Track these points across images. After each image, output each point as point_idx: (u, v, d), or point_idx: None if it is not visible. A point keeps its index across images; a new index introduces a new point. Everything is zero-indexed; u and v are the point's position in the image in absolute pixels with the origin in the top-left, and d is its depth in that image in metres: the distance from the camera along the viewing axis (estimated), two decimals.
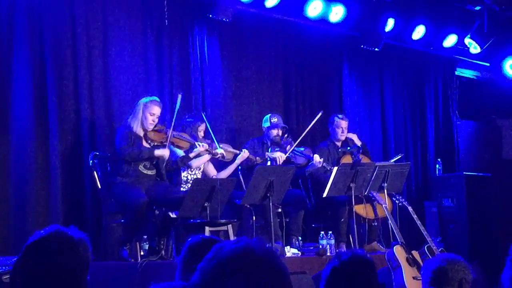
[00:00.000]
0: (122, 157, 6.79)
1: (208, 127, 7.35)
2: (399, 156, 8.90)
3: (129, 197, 6.60)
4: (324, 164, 7.86)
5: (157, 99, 6.99)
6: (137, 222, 6.66)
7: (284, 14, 9.05)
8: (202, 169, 7.54)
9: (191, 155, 7.15)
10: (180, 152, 7.22)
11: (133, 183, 6.75)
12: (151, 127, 6.90)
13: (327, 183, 7.50)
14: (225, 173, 7.56)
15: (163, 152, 6.86)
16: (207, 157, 7.27)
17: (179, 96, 7.00)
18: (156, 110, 6.87)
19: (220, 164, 7.67)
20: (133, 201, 6.54)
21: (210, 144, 7.25)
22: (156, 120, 6.91)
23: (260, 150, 7.86)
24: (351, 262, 3.02)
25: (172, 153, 7.07)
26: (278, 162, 7.63)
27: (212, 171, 7.62)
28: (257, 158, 7.56)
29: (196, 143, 7.13)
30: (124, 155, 6.75)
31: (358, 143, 8.40)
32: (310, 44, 9.50)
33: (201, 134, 7.43)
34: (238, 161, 7.47)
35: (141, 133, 6.90)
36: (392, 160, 8.75)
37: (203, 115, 7.45)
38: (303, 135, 7.90)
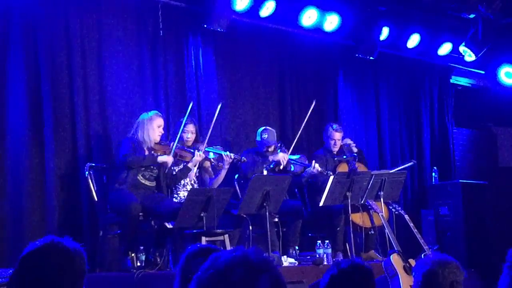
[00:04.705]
0: (125, 163, 6.82)
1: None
2: (411, 163, 9.01)
3: (123, 203, 6.63)
4: (321, 169, 7.85)
5: (158, 112, 7.12)
6: (133, 228, 6.65)
7: (279, 23, 9.06)
8: (197, 175, 7.52)
9: (190, 165, 7.16)
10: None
11: (129, 191, 6.76)
12: (158, 138, 7.00)
13: (326, 185, 7.49)
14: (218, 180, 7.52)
15: (167, 159, 6.94)
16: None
17: (190, 104, 7.13)
18: (161, 121, 7.04)
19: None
20: (126, 207, 6.58)
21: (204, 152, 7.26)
22: (162, 131, 7.03)
23: (259, 159, 7.83)
24: (350, 271, 3.01)
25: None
26: (282, 163, 7.62)
27: (210, 175, 7.57)
28: (242, 158, 7.46)
29: (195, 152, 7.14)
30: (128, 161, 6.80)
31: (355, 150, 8.37)
32: (305, 53, 9.50)
33: (187, 135, 7.37)
34: (226, 166, 7.38)
35: (147, 146, 6.95)
36: (403, 166, 8.82)
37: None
38: (300, 130, 7.95)
